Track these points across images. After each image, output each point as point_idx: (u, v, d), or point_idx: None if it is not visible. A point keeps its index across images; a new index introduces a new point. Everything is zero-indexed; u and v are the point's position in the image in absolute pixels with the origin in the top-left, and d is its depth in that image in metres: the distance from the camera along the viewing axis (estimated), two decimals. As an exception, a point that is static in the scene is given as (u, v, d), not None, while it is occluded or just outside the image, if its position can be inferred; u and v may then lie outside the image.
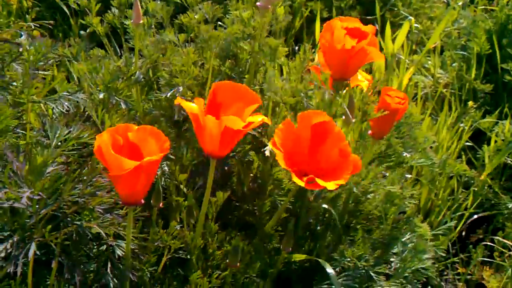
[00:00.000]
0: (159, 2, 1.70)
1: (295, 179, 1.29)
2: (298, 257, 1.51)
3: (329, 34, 1.41)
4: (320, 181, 1.28)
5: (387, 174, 1.56)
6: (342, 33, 1.38)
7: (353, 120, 1.44)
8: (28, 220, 1.18)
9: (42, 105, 1.43)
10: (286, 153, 1.31)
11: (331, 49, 1.41)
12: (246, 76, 1.62)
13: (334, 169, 1.33)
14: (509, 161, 2.24)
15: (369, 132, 1.54)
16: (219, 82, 1.34)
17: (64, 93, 1.39)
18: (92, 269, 1.25)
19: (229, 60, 1.60)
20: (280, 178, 1.55)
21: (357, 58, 1.41)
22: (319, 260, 1.47)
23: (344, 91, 1.44)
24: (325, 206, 1.54)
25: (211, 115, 1.27)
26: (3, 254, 1.11)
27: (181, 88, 1.51)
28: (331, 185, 1.28)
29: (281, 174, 1.55)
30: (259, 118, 1.29)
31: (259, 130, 1.56)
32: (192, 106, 1.27)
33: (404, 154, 1.59)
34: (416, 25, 2.90)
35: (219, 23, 1.67)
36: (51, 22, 2.32)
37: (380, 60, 1.43)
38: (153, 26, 1.68)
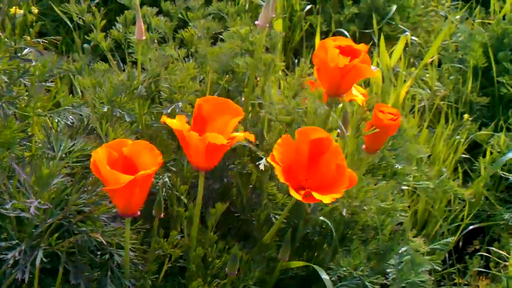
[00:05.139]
0: (162, 18, 1.74)
1: (293, 192, 1.31)
2: (296, 264, 1.53)
3: (323, 53, 1.44)
4: (316, 195, 1.30)
5: (380, 184, 1.59)
6: (336, 52, 1.42)
7: (347, 134, 1.47)
8: (35, 230, 1.23)
9: (47, 118, 1.47)
10: (285, 168, 1.33)
11: (325, 67, 1.44)
12: (243, 89, 1.66)
13: (331, 183, 1.35)
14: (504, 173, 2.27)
15: (363, 146, 1.58)
16: (204, 97, 1.37)
17: (68, 106, 1.43)
18: (95, 277, 1.29)
19: (227, 75, 1.65)
20: (273, 193, 1.58)
21: (351, 75, 1.45)
22: (315, 266, 1.50)
23: (339, 106, 1.48)
24: (322, 218, 1.57)
25: (197, 130, 1.30)
26: (11, 262, 1.16)
27: (180, 104, 1.56)
28: (327, 199, 1.30)
29: (274, 189, 1.58)
30: (242, 135, 1.33)
31: (257, 143, 1.60)
32: (177, 123, 1.31)
33: (396, 166, 1.62)
34: (414, 38, 2.94)
35: (220, 36, 1.71)
36: (58, 38, 2.37)
37: (373, 76, 1.46)
38: (155, 41, 1.72)
